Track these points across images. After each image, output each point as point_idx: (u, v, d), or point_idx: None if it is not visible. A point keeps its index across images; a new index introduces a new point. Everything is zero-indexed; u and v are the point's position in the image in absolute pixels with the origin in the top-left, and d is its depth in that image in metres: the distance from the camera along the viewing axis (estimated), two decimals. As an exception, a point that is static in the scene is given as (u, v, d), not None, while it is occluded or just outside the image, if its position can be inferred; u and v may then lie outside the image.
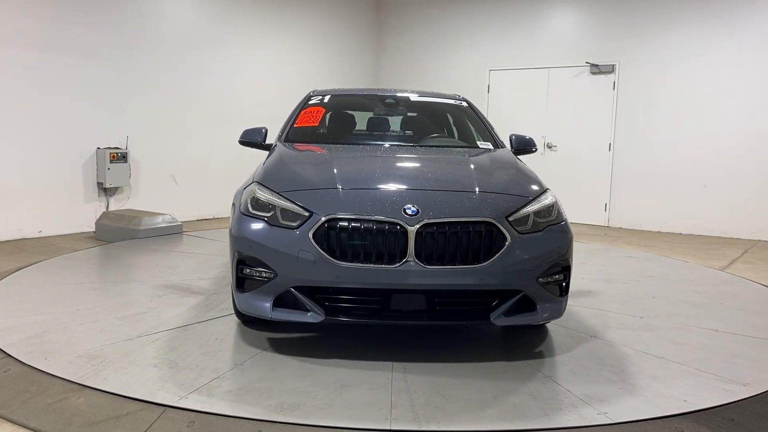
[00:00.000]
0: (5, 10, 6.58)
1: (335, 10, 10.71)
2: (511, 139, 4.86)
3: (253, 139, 4.78)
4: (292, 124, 4.84)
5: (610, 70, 9.30)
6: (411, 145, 4.80)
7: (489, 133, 4.91)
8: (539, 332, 4.01)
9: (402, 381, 3.17)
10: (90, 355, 3.40)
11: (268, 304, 3.35)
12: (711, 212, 8.62)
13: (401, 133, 5.12)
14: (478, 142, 4.85)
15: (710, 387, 3.21)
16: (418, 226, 3.20)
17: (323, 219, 3.25)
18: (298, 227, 3.28)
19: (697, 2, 8.63)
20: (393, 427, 2.68)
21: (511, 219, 3.37)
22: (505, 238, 3.29)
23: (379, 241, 3.21)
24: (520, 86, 10.09)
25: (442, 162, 4.22)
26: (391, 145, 4.75)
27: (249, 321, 3.92)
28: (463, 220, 3.27)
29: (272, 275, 3.30)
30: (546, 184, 3.93)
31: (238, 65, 9.19)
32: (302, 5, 10.05)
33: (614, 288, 5.28)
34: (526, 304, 3.42)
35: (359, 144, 4.69)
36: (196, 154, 8.71)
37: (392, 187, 3.51)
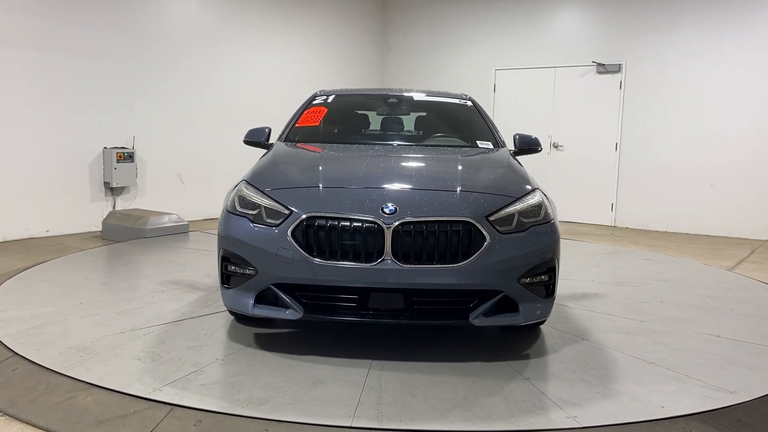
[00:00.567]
0: (16, 11, 6.68)
1: (341, 10, 10.76)
2: (515, 139, 4.76)
3: (256, 138, 4.83)
4: (294, 123, 4.90)
5: (616, 69, 9.12)
6: (407, 145, 4.78)
7: (491, 133, 4.85)
8: (530, 334, 3.95)
9: (376, 379, 3.17)
10: (80, 347, 3.52)
11: (250, 301, 3.40)
12: (718, 212, 8.46)
13: (401, 133, 5.09)
14: (478, 142, 4.79)
15: (693, 394, 3.09)
16: (394, 225, 3.20)
17: (303, 217, 3.28)
18: (278, 225, 3.33)
19: (704, 2, 8.47)
20: (354, 425, 2.69)
21: (492, 219, 3.32)
22: (484, 238, 3.25)
23: (356, 240, 3.23)
24: (527, 86, 9.97)
25: (431, 161, 4.20)
26: (388, 145, 4.73)
27: (241, 317, 3.98)
28: (440, 219, 3.25)
29: (254, 272, 3.36)
30: (537, 183, 3.86)
31: (244, 65, 9.28)
32: (308, 5, 10.11)
33: (622, 291, 5.15)
34: (509, 305, 3.37)
35: (358, 144, 4.70)
36: (202, 153, 8.81)
37: (374, 186, 3.51)
